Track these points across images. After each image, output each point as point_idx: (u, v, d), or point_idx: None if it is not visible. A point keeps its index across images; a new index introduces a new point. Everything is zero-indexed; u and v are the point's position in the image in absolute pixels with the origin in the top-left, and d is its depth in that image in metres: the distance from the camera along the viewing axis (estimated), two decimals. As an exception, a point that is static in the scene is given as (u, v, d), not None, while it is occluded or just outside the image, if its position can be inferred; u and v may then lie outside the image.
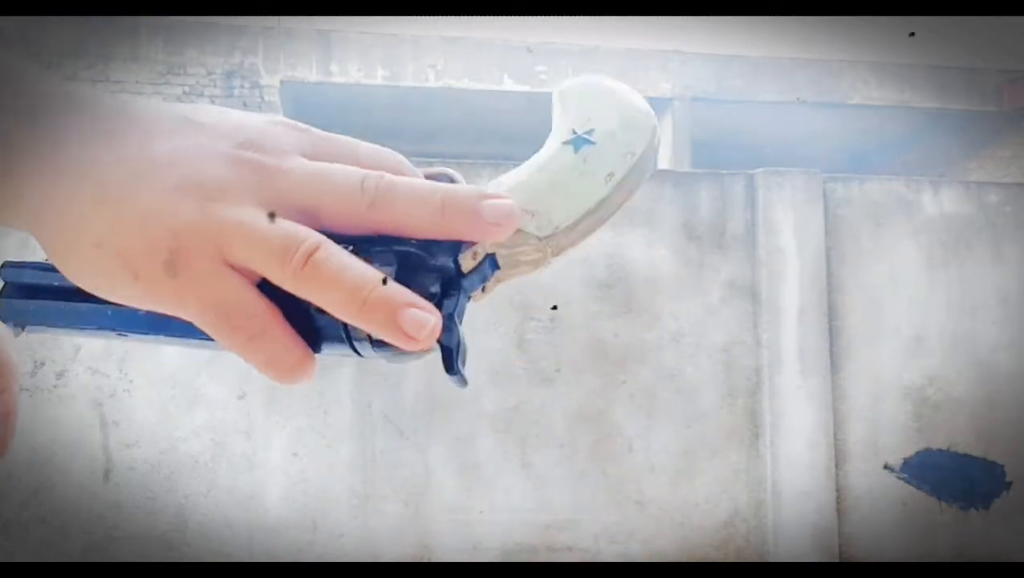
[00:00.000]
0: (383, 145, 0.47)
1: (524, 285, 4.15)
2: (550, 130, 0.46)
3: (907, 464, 4.30)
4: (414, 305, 0.41)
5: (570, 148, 0.44)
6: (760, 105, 10.65)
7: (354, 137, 0.47)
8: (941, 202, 4.51)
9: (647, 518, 4.12)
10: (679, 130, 10.37)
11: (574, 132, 0.44)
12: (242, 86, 9.54)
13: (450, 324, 0.44)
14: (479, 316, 4.12)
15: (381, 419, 3.98)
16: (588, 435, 4.13)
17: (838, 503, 4.21)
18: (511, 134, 11.45)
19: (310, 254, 0.40)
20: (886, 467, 4.29)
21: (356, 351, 0.44)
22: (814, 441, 4.20)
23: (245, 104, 9.50)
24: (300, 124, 0.44)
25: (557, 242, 0.44)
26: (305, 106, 10.27)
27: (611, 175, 0.44)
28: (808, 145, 11.79)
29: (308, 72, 9.72)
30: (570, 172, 0.44)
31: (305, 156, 0.43)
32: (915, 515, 4.27)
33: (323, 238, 0.40)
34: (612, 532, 4.09)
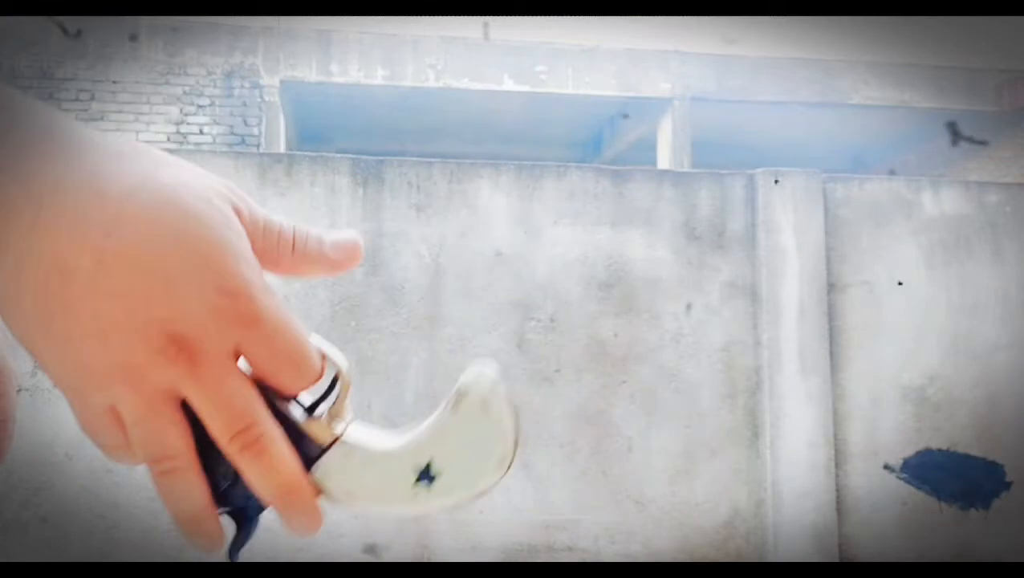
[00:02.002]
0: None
1: (524, 285, 4.16)
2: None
3: (907, 464, 4.30)
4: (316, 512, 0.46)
5: (415, 481, 0.47)
6: (760, 105, 10.65)
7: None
8: (941, 202, 4.51)
9: (647, 518, 4.12)
10: (679, 130, 10.37)
11: (428, 468, 0.47)
12: (242, 86, 9.54)
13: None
14: (479, 316, 4.12)
15: (381, 419, 3.98)
16: (588, 435, 4.13)
17: (838, 503, 4.21)
18: (511, 134, 11.44)
19: (257, 438, 0.43)
20: (886, 467, 4.29)
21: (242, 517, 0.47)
22: (814, 441, 4.20)
23: (245, 104, 9.50)
24: (235, 225, 0.44)
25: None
26: (305, 106, 10.27)
27: (442, 505, 0.47)
28: (808, 145, 11.79)
29: (308, 72, 9.72)
30: (405, 494, 0.47)
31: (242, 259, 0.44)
32: (915, 515, 4.27)
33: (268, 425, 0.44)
34: (612, 532, 4.09)
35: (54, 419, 3.82)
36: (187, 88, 9.43)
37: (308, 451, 0.45)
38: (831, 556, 4.15)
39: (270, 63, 9.60)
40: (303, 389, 0.45)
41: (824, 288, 4.32)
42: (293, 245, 0.47)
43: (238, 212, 0.45)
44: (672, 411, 4.18)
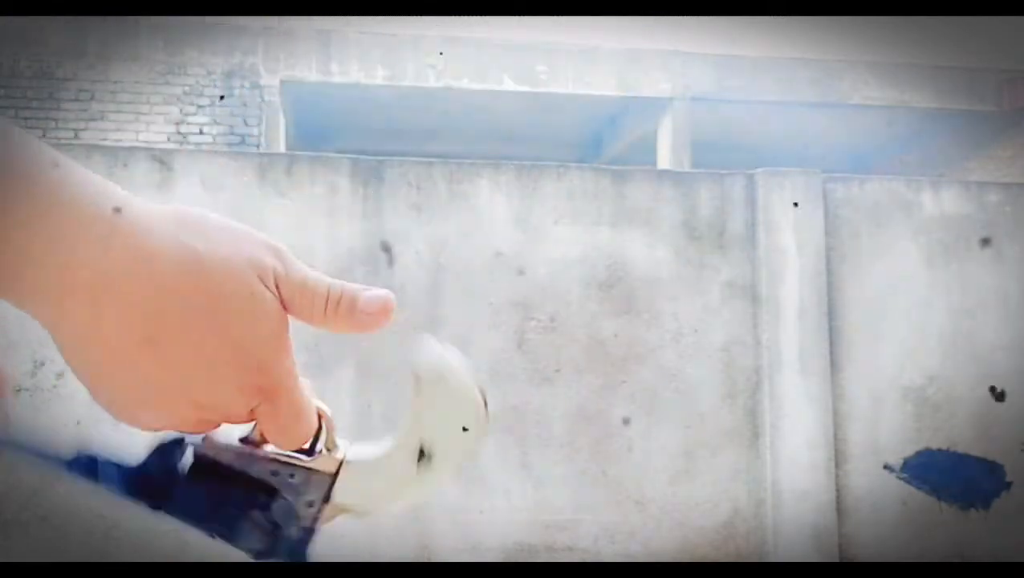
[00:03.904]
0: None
1: (524, 285, 4.16)
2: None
3: (907, 464, 4.30)
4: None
5: (416, 465, 0.52)
6: (760, 105, 10.65)
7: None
8: (941, 202, 4.51)
9: (647, 518, 4.12)
10: (679, 130, 10.37)
11: (422, 450, 0.52)
12: (242, 86, 9.54)
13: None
14: (479, 316, 4.12)
15: (381, 419, 3.98)
16: (588, 435, 4.13)
17: (838, 503, 4.21)
18: (511, 134, 11.44)
19: None
20: (886, 467, 4.29)
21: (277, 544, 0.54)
22: (814, 441, 4.20)
23: (245, 104, 9.50)
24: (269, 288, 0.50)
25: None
26: (305, 106, 10.27)
27: (438, 480, 0.53)
28: (808, 145, 11.79)
29: (308, 72, 9.72)
30: (413, 480, 0.52)
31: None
32: (915, 515, 4.27)
33: None
34: (612, 532, 4.09)
35: (54, 419, 3.82)
36: (187, 88, 9.43)
37: (321, 488, 0.52)
38: (831, 556, 4.15)
39: (270, 63, 9.60)
40: (301, 445, 0.52)
41: (824, 288, 4.32)
42: (326, 306, 0.51)
43: (276, 275, 0.49)
44: (672, 411, 4.18)
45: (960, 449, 4.34)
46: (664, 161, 10.40)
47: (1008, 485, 4.33)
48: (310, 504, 0.53)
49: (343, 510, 0.53)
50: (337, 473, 0.52)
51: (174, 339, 0.46)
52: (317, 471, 0.52)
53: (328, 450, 0.52)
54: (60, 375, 3.85)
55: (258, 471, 0.52)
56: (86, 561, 3.78)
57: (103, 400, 0.49)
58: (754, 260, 4.32)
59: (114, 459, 0.56)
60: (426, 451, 0.51)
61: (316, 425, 0.52)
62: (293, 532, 0.53)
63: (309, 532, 0.54)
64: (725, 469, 4.19)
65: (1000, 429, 4.37)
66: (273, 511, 0.52)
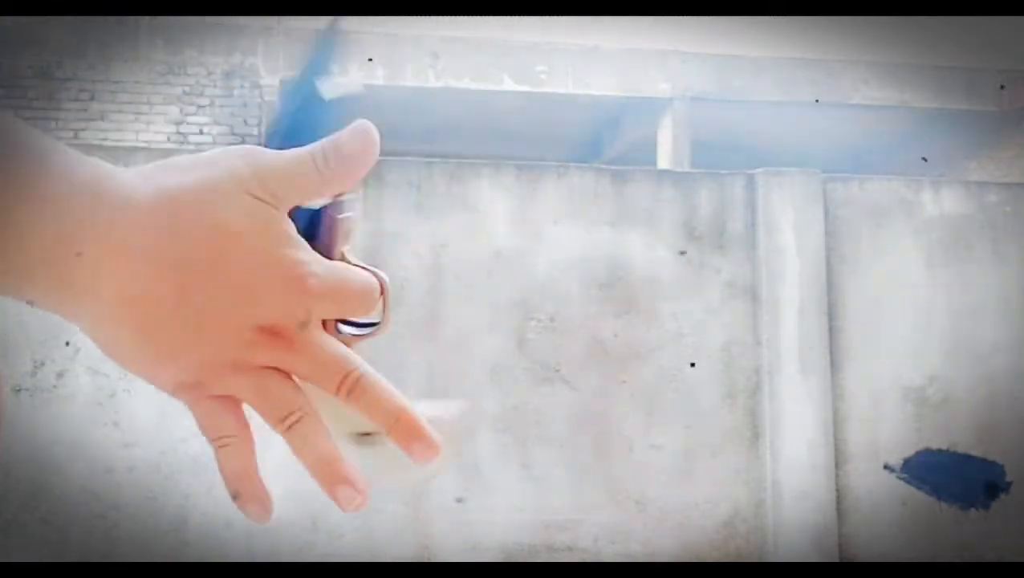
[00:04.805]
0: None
1: (524, 285, 4.15)
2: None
3: (907, 464, 4.30)
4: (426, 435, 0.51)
5: None
6: (760, 105, 10.65)
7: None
8: (941, 202, 4.51)
9: (647, 518, 4.12)
10: (679, 130, 10.36)
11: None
12: (242, 86, 9.54)
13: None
14: (479, 316, 4.12)
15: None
16: (588, 435, 4.13)
17: (838, 503, 4.21)
18: (511, 134, 11.44)
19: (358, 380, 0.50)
20: (886, 467, 4.29)
21: None
22: (814, 441, 4.20)
23: (245, 104, 9.50)
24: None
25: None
26: (305, 106, 10.23)
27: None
28: (808, 145, 11.78)
29: (308, 72, 9.69)
30: None
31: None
32: (915, 515, 4.27)
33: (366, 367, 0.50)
34: (612, 532, 4.09)
35: (54, 419, 3.82)
36: (187, 88, 9.43)
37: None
38: (831, 556, 4.15)
39: (270, 63, 9.60)
40: (370, 312, 0.52)
41: (824, 288, 4.31)
42: (317, 168, 0.50)
43: (257, 176, 0.48)
44: (672, 411, 4.18)
45: (960, 449, 4.34)
46: (664, 161, 10.39)
47: (1008, 485, 4.33)
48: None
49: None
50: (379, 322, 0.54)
51: (212, 271, 0.46)
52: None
53: (385, 310, 0.53)
54: (60, 375, 3.85)
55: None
56: (86, 561, 3.78)
57: (131, 365, 0.48)
58: (754, 260, 4.32)
59: None
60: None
61: (378, 294, 0.52)
62: None
63: None
64: (725, 469, 4.19)
65: (1000, 429, 4.37)
66: None
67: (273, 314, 0.47)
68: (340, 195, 0.53)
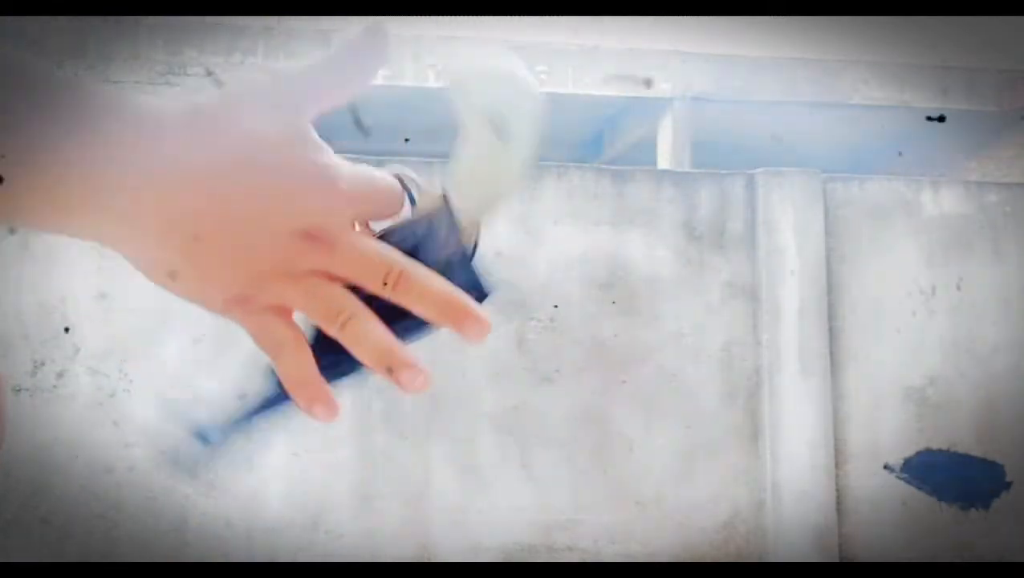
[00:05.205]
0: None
1: (524, 285, 4.15)
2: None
3: (907, 464, 4.30)
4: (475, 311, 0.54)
5: (495, 135, 0.53)
6: (760, 105, 10.65)
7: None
8: (941, 202, 4.51)
9: (647, 518, 4.12)
10: (679, 130, 10.36)
11: (492, 120, 0.53)
12: (242, 86, 9.53)
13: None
14: (479, 316, 4.12)
15: (381, 419, 3.98)
16: (588, 435, 4.13)
17: (838, 503, 4.21)
18: (511, 134, 11.42)
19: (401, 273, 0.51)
20: (886, 467, 4.29)
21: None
22: (814, 441, 4.20)
23: (245, 104, 9.50)
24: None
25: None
26: (305, 106, 10.23)
27: (527, 154, 0.53)
28: (808, 145, 11.78)
29: (308, 72, 9.70)
30: (496, 153, 0.53)
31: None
32: (915, 515, 4.27)
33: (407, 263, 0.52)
34: (612, 532, 4.09)
35: (54, 419, 3.82)
36: (187, 88, 9.43)
37: (444, 218, 0.55)
38: (831, 556, 4.15)
39: (270, 63, 9.60)
40: (397, 212, 0.54)
41: (824, 288, 4.31)
42: (333, 69, 0.53)
43: (284, 87, 0.51)
44: (672, 411, 4.18)
45: (960, 449, 4.34)
46: (664, 161, 10.39)
47: (1008, 485, 4.33)
48: (448, 238, 0.55)
49: (472, 221, 0.55)
50: (445, 197, 0.54)
51: (230, 190, 0.47)
52: (429, 210, 0.54)
53: (420, 192, 0.54)
54: (60, 375, 3.85)
55: (397, 245, 0.53)
56: (86, 561, 3.78)
57: (179, 288, 0.49)
58: (754, 260, 4.32)
59: None
60: (496, 124, 0.53)
61: (402, 192, 0.54)
62: (457, 261, 0.56)
63: (468, 257, 0.57)
64: (725, 469, 4.19)
65: (1000, 429, 4.37)
66: (438, 263, 0.54)
67: (310, 219, 0.49)
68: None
